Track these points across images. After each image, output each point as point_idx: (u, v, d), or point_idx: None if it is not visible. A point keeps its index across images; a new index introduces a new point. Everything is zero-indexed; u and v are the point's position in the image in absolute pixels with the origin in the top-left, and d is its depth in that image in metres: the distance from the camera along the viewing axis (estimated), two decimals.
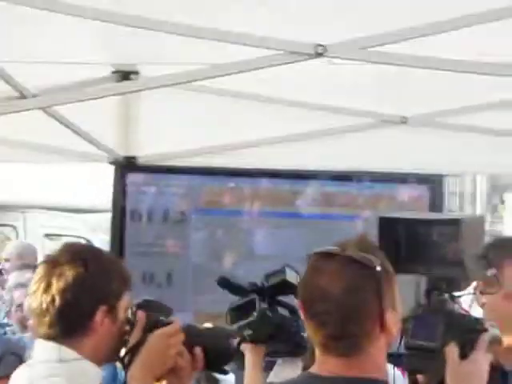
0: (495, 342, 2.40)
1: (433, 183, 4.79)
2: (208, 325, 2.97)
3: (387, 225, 2.38)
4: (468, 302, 4.52)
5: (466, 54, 3.00)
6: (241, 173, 4.85)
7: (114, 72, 3.95)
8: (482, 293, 2.69)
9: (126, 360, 2.43)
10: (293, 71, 3.16)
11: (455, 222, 2.30)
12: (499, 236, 3.14)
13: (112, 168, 4.85)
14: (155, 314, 2.49)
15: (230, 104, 4.11)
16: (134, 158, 4.76)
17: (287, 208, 4.90)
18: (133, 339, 2.44)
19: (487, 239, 3.09)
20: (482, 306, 2.89)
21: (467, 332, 2.29)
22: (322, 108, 4.35)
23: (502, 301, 2.89)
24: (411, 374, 2.37)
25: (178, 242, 4.86)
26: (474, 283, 2.43)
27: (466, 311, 2.37)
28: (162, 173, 4.84)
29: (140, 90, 3.55)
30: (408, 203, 4.77)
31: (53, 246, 3.47)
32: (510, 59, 3.00)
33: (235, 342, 2.74)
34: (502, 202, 27.51)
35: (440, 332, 2.28)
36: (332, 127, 4.51)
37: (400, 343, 2.30)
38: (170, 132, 4.46)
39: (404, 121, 4.40)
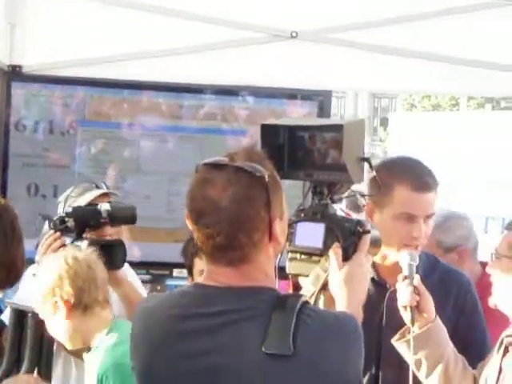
0: (376, 243, 2.46)
1: (321, 99, 4.81)
2: None
3: (269, 132, 2.36)
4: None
5: None
6: (127, 85, 4.76)
7: None
8: (362, 195, 2.74)
9: None
10: None
11: (337, 127, 2.30)
12: (392, 156, 3.20)
13: None
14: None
15: (116, 14, 4.01)
16: (19, 66, 4.61)
17: (173, 122, 4.86)
18: None
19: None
20: (363, 207, 2.96)
21: (349, 234, 2.31)
22: (212, 22, 4.31)
23: (390, 221, 2.95)
24: (294, 277, 2.40)
25: (63, 154, 4.78)
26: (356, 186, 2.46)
27: (348, 214, 2.40)
28: (47, 83, 4.72)
29: None
30: None
31: None
32: None
33: None
34: (382, 124, 27.92)
35: (322, 235, 2.32)
36: (221, 41, 4.48)
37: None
38: (57, 41, 4.35)
39: (294, 35, 4.40)
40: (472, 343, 3.04)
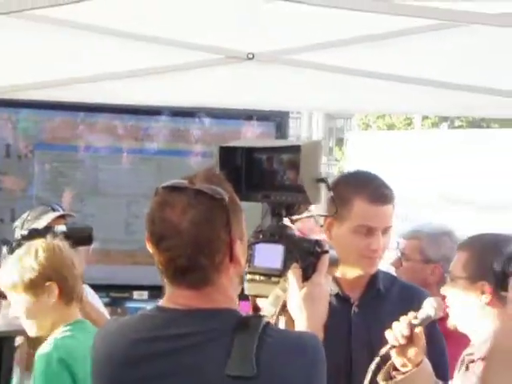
0: (334, 263, 2.48)
1: (278, 120, 4.84)
2: None
3: (227, 154, 2.38)
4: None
5: None
6: (83, 107, 4.76)
7: None
8: (320, 215, 2.77)
9: None
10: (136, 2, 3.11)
11: (294, 149, 2.32)
12: (350, 171, 3.25)
13: None
14: None
15: (69, 36, 4.00)
16: None
17: (132, 144, 4.87)
18: None
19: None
20: (321, 227, 2.98)
21: (308, 254, 2.32)
22: (169, 43, 4.31)
23: (348, 234, 2.98)
24: (253, 298, 2.40)
25: (20, 177, 4.75)
26: (313, 207, 2.48)
27: (305, 234, 2.42)
28: (2, 106, 4.69)
29: None
30: None
31: None
32: None
33: None
34: (338, 144, 28.05)
35: (281, 256, 2.33)
36: (178, 62, 4.48)
37: None
38: (10, 64, 4.32)
39: (250, 57, 4.42)
40: (432, 357, 3.07)
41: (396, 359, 2.80)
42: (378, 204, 2.97)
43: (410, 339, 2.76)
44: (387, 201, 3.00)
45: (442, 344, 3.15)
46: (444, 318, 2.99)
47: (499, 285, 2.77)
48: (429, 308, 2.78)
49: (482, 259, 2.81)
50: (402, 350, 2.79)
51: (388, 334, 2.76)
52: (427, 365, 2.85)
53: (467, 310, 2.83)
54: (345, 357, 2.97)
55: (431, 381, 2.91)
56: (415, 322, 2.75)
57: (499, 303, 2.78)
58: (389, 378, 2.85)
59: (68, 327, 3.08)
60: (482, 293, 2.79)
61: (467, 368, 2.86)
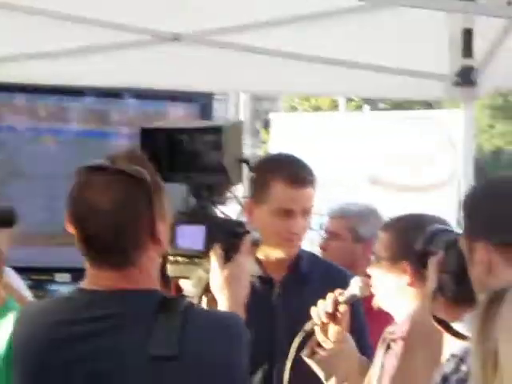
0: (256, 244, 2.49)
1: (203, 102, 4.83)
2: None
3: (149, 135, 2.37)
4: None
5: None
6: (6, 88, 4.66)
7: None
8: (242, 197, 2.78)
9: None
10: None
11: (216, 129, 2.32)
12: (267, 154, 3.25)
13: None
14: None
15: None
16: None
17: (54, 125, 4.80)
18: None
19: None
20: (242, 208, 2.99)
21: (230, 235, 2.33)
22: (94, 23, 4.25)
23: (268, 217, 2.99)
24: (176, 280, 2.40)
25: None
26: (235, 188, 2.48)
27: (228, 215, 2.42)
28: None
29: None
30: None
31: None
32: None
33: None
34: (264, 126, 28.16)
35: (203, 237, 2.33)
36: (102, 43, 4.42)
37: None
38: None
39: (176, 38, 4.39)
40: (357, 337, 3.11)
41: (319, 336, 2.83)
42: (295, 187, 2.98)
43: (334, 317, 2.79)
44: (305, 183, 3.01)
45: (363, 322, 3.20)
46: (371, 297, 3.05)
47: (420, 264, 2.81)
48: (355, 287, 2.82)
49: (404, 239, 2.84)
50: (325, 327, 2.82)
51: (313, 310, 2.79)
52: (350, 342, 2.89)
53: (390, 290, 2.87)
54: (267, 338, 2.99)
55: (354, 357, 2.95)
56: (340, 299, 2.80)
57: (420, 283, 2.83)
58: (312, 354, 2.88)
59: None
60: (404, 273, 2.82)
61: (389, 346, 2.90)
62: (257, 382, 2.99)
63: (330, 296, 2.79)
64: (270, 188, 2.97)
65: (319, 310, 2.80)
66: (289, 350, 2.82)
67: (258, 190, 2.98)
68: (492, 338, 1.61)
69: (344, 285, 3.10)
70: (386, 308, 2.92)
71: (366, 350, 3.12)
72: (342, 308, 2.81)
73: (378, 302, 2.93)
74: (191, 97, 4.80)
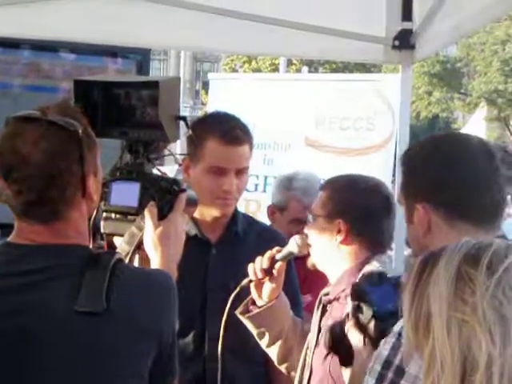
0: (192, 203, 2.47)
1: (140, 58, 4.75)
2: None
3: (83, 88, 2.32)
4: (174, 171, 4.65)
5: None
6: None
7: None
8: (180, 154, 2.76)
9: None
10: None
11: (152, 85, 2.27)
12: (208, 112, 3.22)
13: None
14: None
15: None
16: None
17: None
18: None
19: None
20: (180, 166, 2.98)
21: (165, 193, 2.31)
22: None
23: (202, 175, 2.97)
24: (109, 236, 2.38)
25: None
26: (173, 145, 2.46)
27: (164, 173, 2.40)
28: None
29: None
30: None
31: None
32: None
33: None
34: (204, 88, 28.05)
35: (137, 194, 2.30)
36: None
37: None
38: None
39: None
40: (288, 297, 3.12)
41: (254, 292, 2.84)
42: (229, 145, 2.97)
43: (270, 274, 2.81)
44: (240, 142, 3.00)
45: (296, 282, 3.22)
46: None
47: (356, 221, 2.82)
48: (293, 244, 2.83)
49: (340, 197, 2.86)
50: (260, 284, 2.83)
51: (250, 267, 2.81)
52: (284, 300, 2.91)
53: (324, 248, 2.88)
54: (200, 297, 2.99)
55: (287, 315, 2.96)
56: (277, 256, 2.81)
57: (354, 242, 2.84)
58: (246, 311, 2.89)
59: None
60: (338, 231, 2.83)
61: (324, 308, 2.92)
62: (189, 340, 2.99)
63: (268, 253, 2.81)
64: (205, 146, 2.96)
65: (256, 266, 2.81)
66: (221, 310, 2.83)
67: (194, 148, 2.97)
68: (425, 301, 1.61)
69: (273, 244, 3.11)
70: (321, 268, 2.94)
71: (299, 310, 3.14)
72: (278, 265, 2.82)
73: (313, 261, 2.95)
74: (128, 53, 4.72)
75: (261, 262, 2.83)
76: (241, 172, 3.03)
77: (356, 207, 2.83)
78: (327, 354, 2.71)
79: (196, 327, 3.00)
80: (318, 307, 2.94)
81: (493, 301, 1.55)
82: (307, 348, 2.91)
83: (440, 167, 2.24)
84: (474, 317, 1.55)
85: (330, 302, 2.89)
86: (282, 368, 3.02)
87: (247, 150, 3.04)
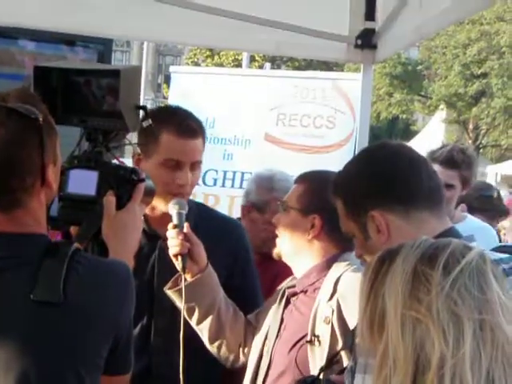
0: (150, 193, 2.46)
1: (101, 48, 4.72)
2: None
3: (43, 75, 2.30)
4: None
5: None
6: None
7: None
8: (135, 144, 2.76)
9: None
10: None
11: (113, 73, 2.26)
12: (161, 106, 3.19)
13: None
14: None
15: None
16: None
17: None
18: None
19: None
20: (133, 157, 2.97)
21: (124, 182, 2.30)
22: None
23: (156, 168, 2.95)
24: (66, 225, 2.36)
25: None
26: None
27: (122, 162, 2.38)
28: None
29: None
30: None
31: None
32: None
33: None
34: (166, 81, 27.93)
35: (96, 183, 2.29)
36: None
37: None
38: None
39: None
40: (244, 290, 3.12)
41: (179, 267, 2.83)
42: (184, 137, 2.96)
43: (188, 240, 2.81)
44: (195, 135, 2.99)
45: (255, 277, 3.21)
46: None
47: (332, 218, 2.83)
48: (174, 212, 2.87)
49: (318, 193, 2.86)
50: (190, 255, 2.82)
51: (170, 250, 2.83)
52: (212, 273, 2.91)
53: (295, 241, 2.88)
54: (148, 291, 2.98)
55: (217, 288, 2.96)
56: (175, 222, 2.83)
57: (325, 238, 2.85)
58: (175, 286, 2.90)
59: None
60: (312, 226, 2.84)
61: (288, 301, 2.93)
62: (136, 334, 2.98)
63: (172, 234, 2.83)
64: (160, 139, 2.94)
65: (170, 239, 2.82)
66: (167, 304, 2.84)
67: (146, 141, 2.95)
68: (380, 299, 1.62)
69: (230, 235, 3.11)
70: (288, 260, 2.94)
71: (259, 304, 3.13)
72: (185, 229, 2.83)
73: (279, 252, 2.95)
74: (89, 42, 4.68)
75: (170, 234, 2.84)
76: (195, 166, 3.01)
77: (333, 204, 2.84)
78: (293, 345, 2.74)
79: (143, 320, 2.99)
80: (280, 300, 2.94)
81: (447, 301, 1.56)
82: (265, 339, 2.92)
83: (375, 169, 2.27)
84: (428, 316, 1.56)
85: (294, 294, 2.89)
86: (214, 348, 3.00)
87: (201, 144, 3.03)
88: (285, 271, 3.08)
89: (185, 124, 2.97)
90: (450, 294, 1.56)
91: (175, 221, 2.85)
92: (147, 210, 2.96)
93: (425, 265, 1.60)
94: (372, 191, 2.25)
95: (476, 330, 1.55)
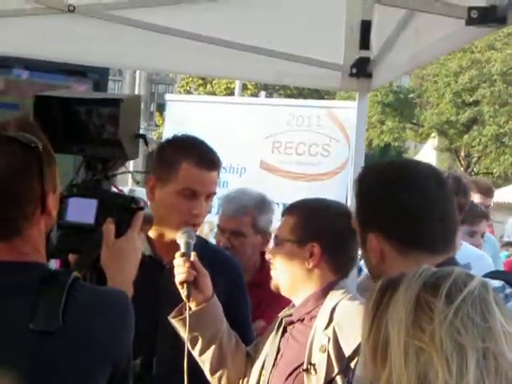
0: (149, 221, 2.47)
1: (97, 78, 4.74)
2: None
3: (43, 104, 2.31)
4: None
5: None
6: None
7: None
8: (138, 172, 2.75)
9: None
10: None
11: (114, 102, 2.27)
12: (178, 135, 3.20)
13: None
14: None
15: None
16: None
17: None
18: None
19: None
20: (137, 184, 2.97)
21: (123, 210, 2.31)
22: None
23: (172, 196, 2.96)
24: (64, 253, 2.35)
25: None
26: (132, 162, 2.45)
27: (121, 190, 2.39)
28: None
29: None
30: None
31: None
32: None
33: None
34: (159, 110, 28.03)
35: (94, 211, 2.29)
36: None
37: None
38: None
39: (71, 9, 4.29)
40: (237, 323, 3.12)
41: (184, 296, 2.83)
42: (205, 169, 2.99)
43: (195, 269, 2.81)
44: (214, 167, 3.03)
45: (247, 308, 3.22)
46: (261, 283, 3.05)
47: (330, 245, 2.83)
48: (183, 240, 2.86)
49: (314, 221, 2.86)
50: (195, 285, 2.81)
51: (177, 278, 2.82)
52: (217, 303, 2.91)
53: (293, 273, 2.88)
54: (150, 319, 2.97)
55: (221, 319, 2.95)
56: (183, 250, 2.83)
57: (323, 266, 2.85)
58: (179, 315, 2.89)
59: None
60: (311, 255, 2.84)
61: (285, 330, 2.92)
62: (137, 365, 2.96)
63: (179, 262, 2.82)
64: (179, 168, 2.97)
65: (177, 267, 2.82)
66: (170, 331, 2.83)
67: (165, 168, 2.97)
68: (383, 327, 1.61)
69: (230, 269, 3.12)
70: (286, 292, 2.93)
71: (250, 336, 3.13)
72: (193, 256, 2.83)
73: (277, 284, 2.94)
74: (85, 71, 4.70)
75: (177, 262, 2.84)
76: (209, 197, 3.05)
77: (331, 231, 2.84)
78: (290, 374, 2.73)
79: (145, 348, 2.97)
80: (277, 329, 2.94)
81: (451, 329, 1.55)
82: (262, 368, 2.91)
83: (385, 197, 2.23)
84: (431, 345, 1.55)
85: (291, 323, 2.89)
86: (215, 379, 2.99)
87: (217, 176, 3.07)
88: (268, 298, 3.08)
89: (206, 156, 3.01)
90: (453, 323, 1.56)
91: (183, 249, 2.85)
92: (154, 236, 2.97)
93: (428, 293, 1.59)
94: (373, 215, 2.24)
95: (479, 358, 1.54)
